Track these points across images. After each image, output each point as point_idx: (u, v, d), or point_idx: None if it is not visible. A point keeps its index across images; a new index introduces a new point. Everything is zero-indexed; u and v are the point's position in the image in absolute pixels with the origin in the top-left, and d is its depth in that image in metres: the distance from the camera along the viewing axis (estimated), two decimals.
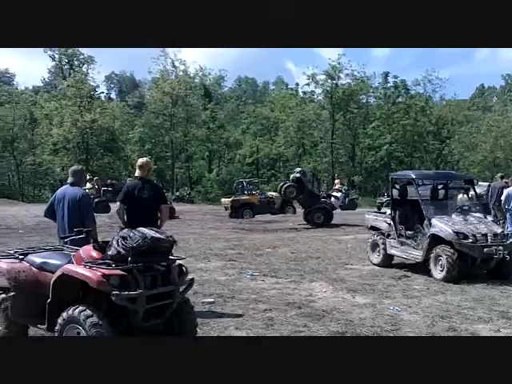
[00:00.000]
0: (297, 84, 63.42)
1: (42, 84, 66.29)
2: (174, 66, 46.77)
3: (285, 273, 9.71)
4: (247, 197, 24.63)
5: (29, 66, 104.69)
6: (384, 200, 30.40)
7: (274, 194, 25.30)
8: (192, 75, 48.98)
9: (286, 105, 49.96)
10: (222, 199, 27.48)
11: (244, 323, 6.38)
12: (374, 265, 10.70)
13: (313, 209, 19.71)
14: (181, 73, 46.75)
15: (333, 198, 22.65)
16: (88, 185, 24.81)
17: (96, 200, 23.42)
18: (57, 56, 55.64)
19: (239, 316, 6.73)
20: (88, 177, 26.62)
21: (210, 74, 53.78)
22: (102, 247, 4.89)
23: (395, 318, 6.74)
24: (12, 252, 5.50)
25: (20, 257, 5.34)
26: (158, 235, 4.75)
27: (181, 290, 5.03)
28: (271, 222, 21.62)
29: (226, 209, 25.16)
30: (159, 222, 6.78)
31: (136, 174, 6.94)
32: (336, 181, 31.83)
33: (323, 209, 19.87)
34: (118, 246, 4.68)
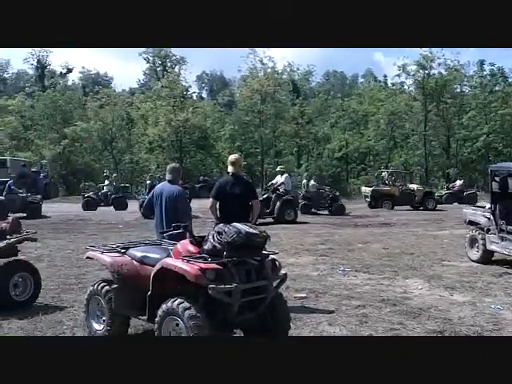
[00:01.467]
0: (385, 76, 61.82)
1: (137, 86, 69.37)
2: (262, 64, 47.16)
3: (378, 269, 9.50)
4: (388, 188, 24.25)
5: (125, 69, 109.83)
6: (444, 193, 28.88)
7: (416, 186, 24.76)
8: (280, 71, 49.15)
9: (376, 97, 48.82)
10: (363, 187, 27.49)
11: (337, 319, 6.31)
12: (473, 261, 10.19)
13: None
14: (269, 70, 47.01)
15: None
16: (106, 181, 25.65)
17: (113, 196, 24.15)
18: (151, 58, 57.90)
19: (332, 312, 6.66)
20: (105, 174, 27.46)
21: (298, 69, 53.71)
22: (198, 242, 5.03)
23: (497, 317, 6.39)
24: (114, 246, 5.79)
25: (122, 251, 5.61)
26: (252, 230, 4.82)
27: (274, 284, 5.07)
28: (362, 216, 21.24)
29: (366, 197, 24.96)
30: (251, 217, 6.85)
31: (228, 170, 7.06)
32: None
33: None
34: (214, 240, 4.80)
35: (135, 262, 5.42)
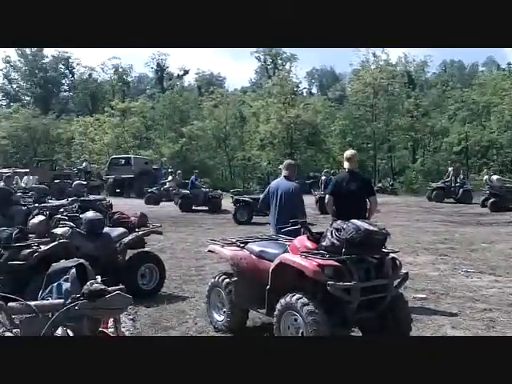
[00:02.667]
0: (509, 64, 57.65)
1: (249, 84, 70.89)
2: (374, 56, 46.05)
3: (505, 270, 8.90)
4: None
5: (237, 69, 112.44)
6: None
7: None
8: (394, 63, 47.69)
9: (500, 86, 45.67)
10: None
11: (461, 322, 6.02)
12: None
13: None
14: (382, 62, 45.79)
15: None
16: (169, 177, 25.77)
17: (174, 192, 23.85)
18: (262, 57, 58.81)
19: (455, 315, 6.36)
20: (170, 170, 27.21)
21: (414, 60, 51.79)
22: (315, 238, 5.03)
23: None
24: (234, 240, 5.96)
25: (241, 245, 5.77)
26: (371, 227, 4.72)
27: (395, 283, 4.95)
28: (484, 214, 20.04)
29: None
30: (367, 213, 6.73)
31: (344, 167, 6.98)
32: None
33: None
34: (332, 237, 4.76)
35: (253, 257, 5.55)
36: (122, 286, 2.89)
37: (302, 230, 5.41)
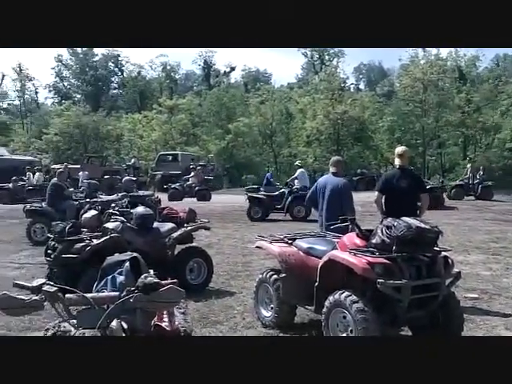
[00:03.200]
0: None
1: (295, 80, 70.58)
2: (424, 51, 45.04)
3: None
4: None
5: (283, 65, 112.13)
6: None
7: None
8: (444, 58, 46.52)
9: None
10: None
11: None
12: None
13: None
14: (432, 57, 44.76)
15: None
16: (192, 173, 25.57)
17: (196, 188, 24.21)
18: (309, 53, 58.47)
19: (508, 315, 6.18)
20: (192, 166, 26.92)
21: (465, 55, 50.39)
22: (365, 235, 4.98)
23: None
24: (282, 237, 5.97)
25: (289, 241, 5.77)
26: (422, 225, 4.65)
27: (446, 282, 4.85)
28: None
29: None
30: (418, 211, 6.61)
31: (395, 163, 6.87)
32: None
33: None
34: (383, 234, 4.71)
35: (302, 253, 5.55)
36: (175, 280, 2.94)
37: (351, 226, 5.37)
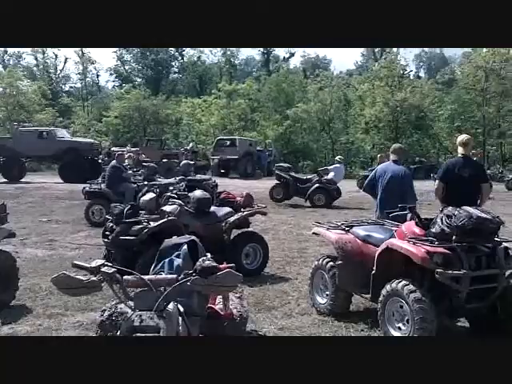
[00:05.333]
0: None
1: (354, 67, 69.32)
2: None
3: None
4: None
5: (343, 52, 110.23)
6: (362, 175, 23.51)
7: None
8: None
9: None
10: None
11: None
12: None
13: None
14: None
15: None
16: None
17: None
18: None
19: None
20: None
21: None
22: (424, 224, 4.86)
23: None
24: (339, 224, 5.90)
25: (346, 229, 5.70)
26: (484, 215, 4.50)
27: (506, 274, 4.68)
28: None
29: None
30: (479, 201, 6.38)
31: (459, 152, 6.63)
32: None
33: None
34: (442, 223, 4.59)
35: (359, 241, 5.48)
36: (233, 264, 2.95)
37: (410, 215, 5.24)
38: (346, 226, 5.74)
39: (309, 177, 17.40)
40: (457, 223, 4.46)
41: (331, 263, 5.58)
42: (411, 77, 52.71)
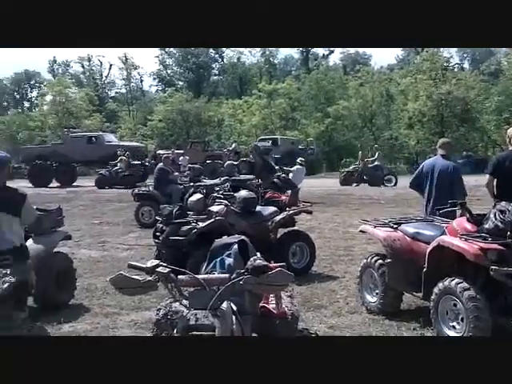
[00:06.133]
0: None
1: (395, 61, 68.16)
2: None
3: None
4: None
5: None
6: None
7: None
8: None
9: None
10: None
11: None
12: None
13: None
14: None
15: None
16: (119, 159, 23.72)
17: (122, 174, 22.63)
18: None
19: None
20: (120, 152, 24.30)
21: None
22: (476, 220, 4.75)
23: None
24: (386, 221, 5.82)
25: (394, 226, 5.62)
26: None
27: None
28: None
29: None
30: None
31: (509, 145, 6.43)
32: None
33: None
34: (496, 219, 4.48)
35: (408, 238, 5.39)
36: (284, 263, 2.96)
37: (461, 211, 5.13)
38: (394, 224, 5.66)
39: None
40: (510, 218, 4.36)
41: (380, 261, 5.52)
42: (455, 69, 51.53)
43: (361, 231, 6.03)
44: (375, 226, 5.74)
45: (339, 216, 13.39)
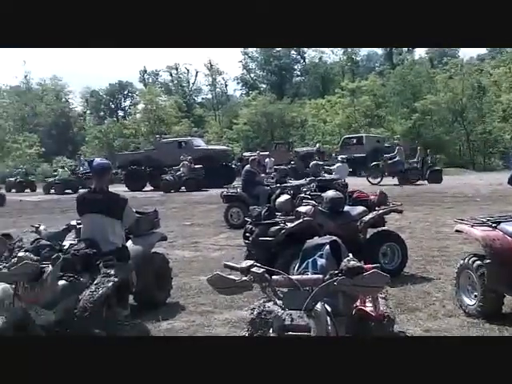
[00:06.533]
0: None
1: (486, 51, 64.84)
2: None
3: None
4: None
5: None
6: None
7: None
8: None
9: None
10: None
11: None
12: None
13: None
14: None
15: None
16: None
17: (184, 178, 23.36)
18: None
19: None
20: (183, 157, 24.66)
21: None
22: None
23: None
24: (484, 220, 5.56)
25: (493, 225, 5.35)
26: None
27: None
28: None
29: None
30: None
31: None
32: None
33: None
34: None
35: (508, 237, 5.12)
36: (378, 265, 2.90)
37: None
38: (493, 222, 5.38)
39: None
40: None
41: (478, 262, 5.27)
42: None
43: (456, 231, 5.79)
44: (472, 225, 5.48)
45: (431, 215, 12.95)
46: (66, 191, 26.36)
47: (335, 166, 16.71)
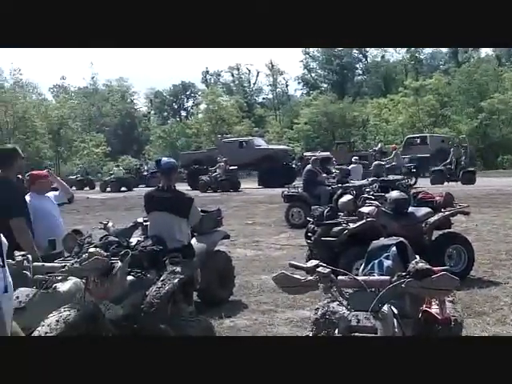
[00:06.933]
0: None
1: None
2: None
3: None
4: None
5: None
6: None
7: None
8: None
9: None
10: None
11: None
12: None
13: None
14: None
15: None
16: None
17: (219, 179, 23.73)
18: None
19: None
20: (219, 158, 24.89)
21: None
22: None
23: None
24: None
25: None
26: None
27: None
28: None
29: None
30: None
31: None
32: None
33: None
34: None
35: None
36: (447, 267, 2.86)
37: None
38: None
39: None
40: None
41: None
42: None
43: None
44: None
45: (498, 217, 12.48)
46: (122, 189, 27.70)
47: (350, 167, 16.47)
